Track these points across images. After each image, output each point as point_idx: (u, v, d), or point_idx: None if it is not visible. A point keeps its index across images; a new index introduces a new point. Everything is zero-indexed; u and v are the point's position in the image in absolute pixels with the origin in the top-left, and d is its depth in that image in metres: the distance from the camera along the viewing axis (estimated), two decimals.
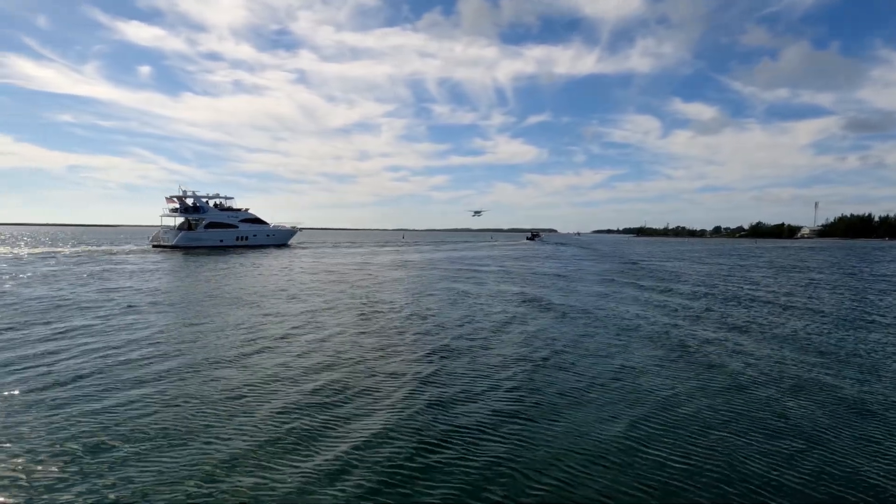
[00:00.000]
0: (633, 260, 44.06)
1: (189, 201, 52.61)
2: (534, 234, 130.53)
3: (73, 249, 47.26)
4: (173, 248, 49.51)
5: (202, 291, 18.83)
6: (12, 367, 8.61)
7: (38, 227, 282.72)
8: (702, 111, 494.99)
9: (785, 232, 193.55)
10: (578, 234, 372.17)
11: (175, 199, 51.95)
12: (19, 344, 10.20)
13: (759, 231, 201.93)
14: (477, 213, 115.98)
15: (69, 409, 6.74)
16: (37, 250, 45.06)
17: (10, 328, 11.63)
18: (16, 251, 43.50)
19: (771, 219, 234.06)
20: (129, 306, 15.01)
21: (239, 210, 56.44)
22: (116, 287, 19.64)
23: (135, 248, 50.87)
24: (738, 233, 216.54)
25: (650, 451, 5.69)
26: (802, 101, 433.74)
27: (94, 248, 50.87)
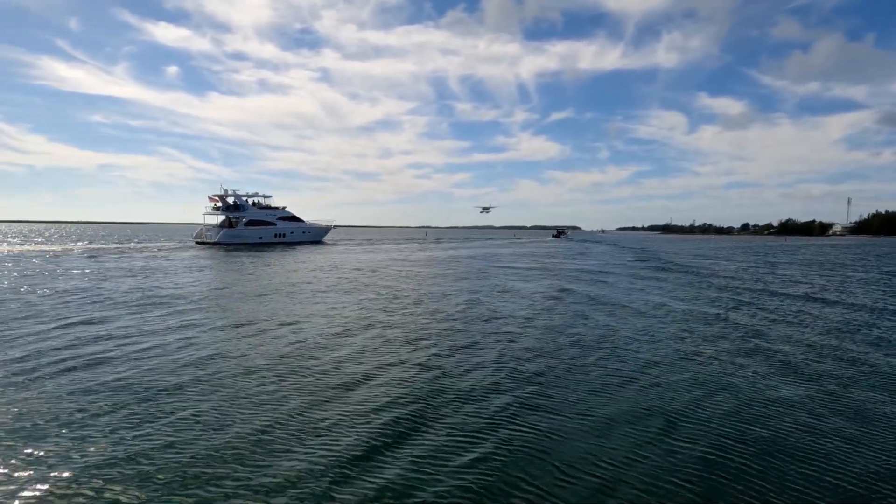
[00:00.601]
0: (666, 258, 44.33)
1: (230, 200, 54.87)
2: (559, 232, 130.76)
3: (118, 246, 49.79)
4: (215, 244, 51.70)
5: (255, 287, 19.69)
6: (78, 362, 8.84)
7: (72, 225, 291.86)
8: (729, 106, 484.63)
9: (816, 229, 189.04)
10: (602, 231, 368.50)
11: (217, 198, 54.17)
12: (90, 339, 10.56)
13: (788, 228, 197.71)
14: (485, 209, 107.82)
15: (138, 408, 6.76)
16: (84, 247, 47.60)
17: (83, 322, 12.36)
18: (53, 248, 46.07)
19: (801, 215, 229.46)
20: (192, 301, 15.89)
21: (277, 208, 58.53)
22: (171, 283, 20.80)
23: (179, 244, 53.25)
24: (766, 230, 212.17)
25: (729, 456, 5.59)
26: (835, 94, 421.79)
27: (136, 244, 53.39)
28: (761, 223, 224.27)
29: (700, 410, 7.03)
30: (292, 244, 57.07)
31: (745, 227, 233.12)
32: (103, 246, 49.52)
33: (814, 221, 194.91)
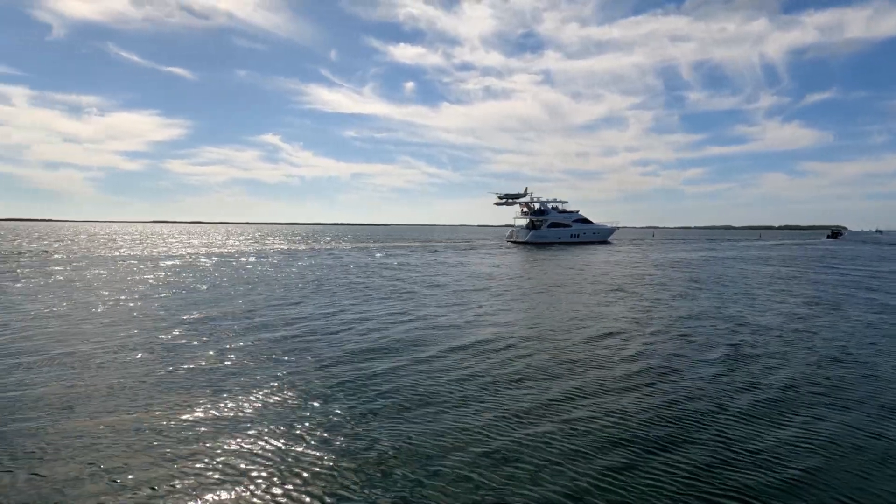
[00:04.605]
0: None
1: (535, 206, 67.03)
2: (836, 232, 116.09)
3: (440, 244, 64.34)
4: (525, 243, 63.78)
5: (580, 279, 23.13)
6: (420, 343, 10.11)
7: (339, 227, 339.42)
8: None
9: None
10: (879, 231, 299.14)
11: (526, 205, 66.94)
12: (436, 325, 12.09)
13: None
14: (506, 198, 68.29)
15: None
16: (410, 244, 63.63)
17: (446, 305, 14.44)
18: (370, 245, 61.68)
19: None
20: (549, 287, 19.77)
21: (572, 212, 68.88)
22: (517, 273, 26.58)
23: (497, 243, 67.58)
24: None
25: None
26: None
27: (455, 242, 68.78)
28: None
29: None
30: (584, 243, 66.40)
31: None
32: (431, 243, 65.86)
33: None
